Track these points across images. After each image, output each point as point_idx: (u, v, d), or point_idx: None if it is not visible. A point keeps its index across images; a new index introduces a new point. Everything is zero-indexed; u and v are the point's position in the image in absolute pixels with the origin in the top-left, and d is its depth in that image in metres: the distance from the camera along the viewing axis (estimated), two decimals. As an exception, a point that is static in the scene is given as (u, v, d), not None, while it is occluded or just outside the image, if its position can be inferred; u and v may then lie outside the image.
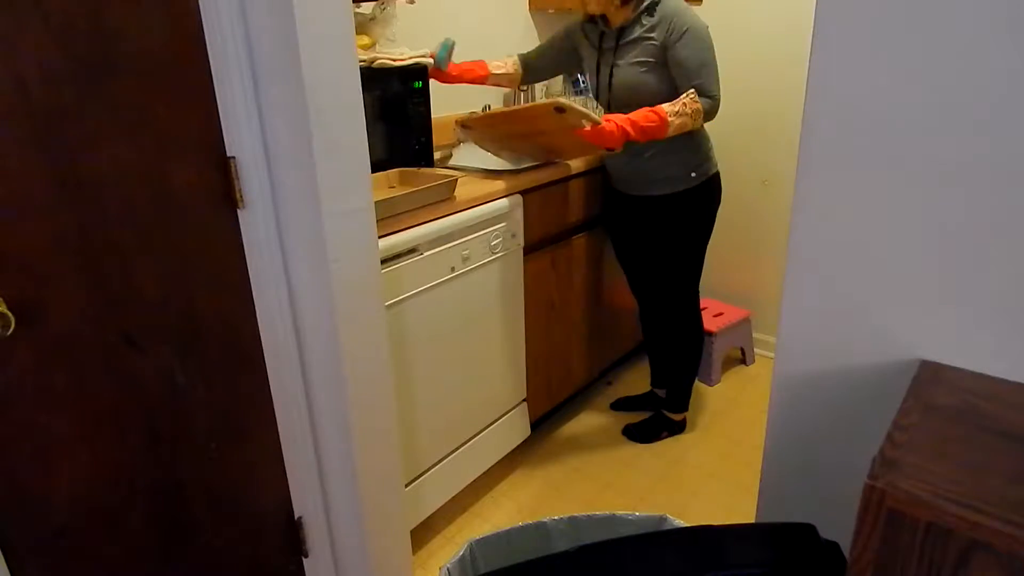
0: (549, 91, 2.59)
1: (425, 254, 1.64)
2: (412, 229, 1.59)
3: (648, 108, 1.77)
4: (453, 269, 1.73)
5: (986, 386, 0.79)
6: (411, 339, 1.65)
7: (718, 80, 1.82)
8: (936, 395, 0.78)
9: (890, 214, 0.85)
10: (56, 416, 1.04)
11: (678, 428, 2.34)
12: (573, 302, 2.25)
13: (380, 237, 1.36)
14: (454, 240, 1.72)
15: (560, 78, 2.33)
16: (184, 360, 1.19)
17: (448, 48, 1.95)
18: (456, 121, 2.02)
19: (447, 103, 2.23)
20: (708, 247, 2.15)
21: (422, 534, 1.87)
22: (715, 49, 1.83)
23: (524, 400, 2.13)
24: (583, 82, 2.43)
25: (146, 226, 1.10)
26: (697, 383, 2.62)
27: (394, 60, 1.87)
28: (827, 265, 0.91)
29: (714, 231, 2.14)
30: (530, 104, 1.77)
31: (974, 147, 0.78)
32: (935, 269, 0.83)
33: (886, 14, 0.79)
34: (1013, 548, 0.57)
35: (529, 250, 1.99)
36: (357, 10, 1.95)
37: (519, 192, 1.90)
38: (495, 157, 2.00)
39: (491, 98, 2.50)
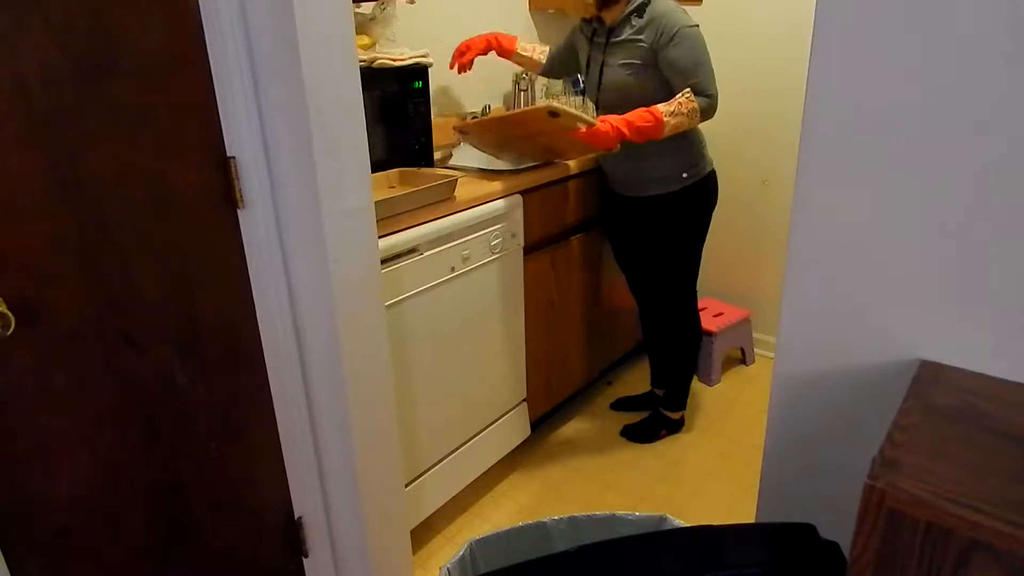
0: (549, 91, 2.59)
1: (425, 254, 1.64)
2: (412, 229, 1.59)
3: (644, 108, 1.77)
4: (453, 269, 1.73)
5: (986, 386, 0.79)
6: (411, 339, 1.65)
7: (714, 78, 1.82)
8: (936, 395, 0.78)
9: (890, 214, 0.85)
10: (56, 416, 1.04)
11: (677, 427, 2.35)
12: (573, 302, 2.25)
13: (380, 237, 1.36)
14: (454, 240, 1.72)
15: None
16: (184, 360, 1.19)
17: None
18: (454, 127, 2.03)
19: (447, 103, 2.23)
20: (708, 247, 2.15)
21: (422, 534, 1.87)
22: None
23: (524, 400, 2.13)
24: (583, 81, 2.44)
25: (146, 226, 1.10)
26: (697, 383, 2.62)
27: (394, 60, 1.88)
28: (827, 265, 0.91)
29: (714, 231, 2.14)
30: (524, 109, 1.77)
31: (974, 147, 0.78)
32: (935, 269, 0.83)
33: (886, 14, 0.79)
34: (1013, 548, 0.57)
35: (529, 250, 1.99)
36: (357, 10, 1.95)
37: (519, 192, 1.90)
38: (495, 158, 2.00)
39: (491, 98, 2.50)
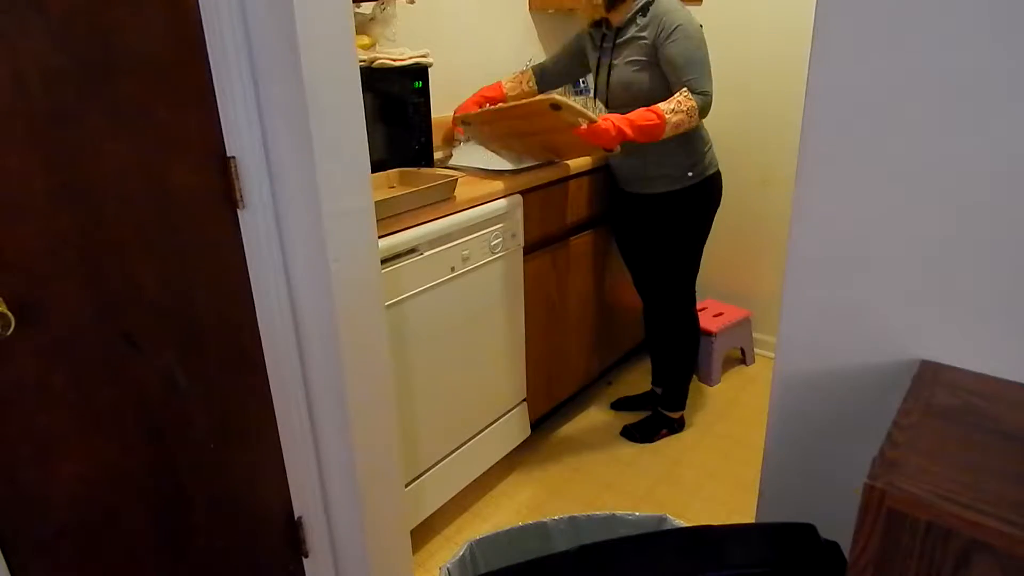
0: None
1: (425, 254, 1.64)
2: (412, 229, 1.59)
3: (645, 107, 1.77)
4: (453, 269, 1.73)
5: (986, 386, 0.79)
6: (411, 339, 1.65)
7: (710, 77, 1.83)
8: (936, 395, 0.78)
9: (890, 214, 0.85)
10: (56, 416, 1.04)
11: (676, 426, 2.35)
12: (573, 302, 2.25)
13: (380, 237, 1.36)
14: (454, 240, 1.71)
15: (561, 78, 2.34)
16: (184, 360, 1.19)
17: None
18: (455, 118, 2.03)
19: (447, 103, 2.23)
20: (708, 247, 2.15)
21: (422, 534, 1.87)
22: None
23: (524, 400, 2.13)
24: (582, 82, 2.44)
25: (146, 226, 1.10)
26: (697, 383, 2.62)
27: (394, 60, 1.88)
28: (827, 265, 0.91)
29: (714, 231, 2.14)
30: (526, 100, 1.77)
31: (974, 147, 0.78)
32: (935, 269, 0.83)
33: (886, 14, 0.79)
34: (1013, 548, 0.57)
35: (529, 250, 1.99)
36: (357, 10, 1.95)
37: (519, 192, 1.90)
38: (495, 157, 2.00)
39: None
